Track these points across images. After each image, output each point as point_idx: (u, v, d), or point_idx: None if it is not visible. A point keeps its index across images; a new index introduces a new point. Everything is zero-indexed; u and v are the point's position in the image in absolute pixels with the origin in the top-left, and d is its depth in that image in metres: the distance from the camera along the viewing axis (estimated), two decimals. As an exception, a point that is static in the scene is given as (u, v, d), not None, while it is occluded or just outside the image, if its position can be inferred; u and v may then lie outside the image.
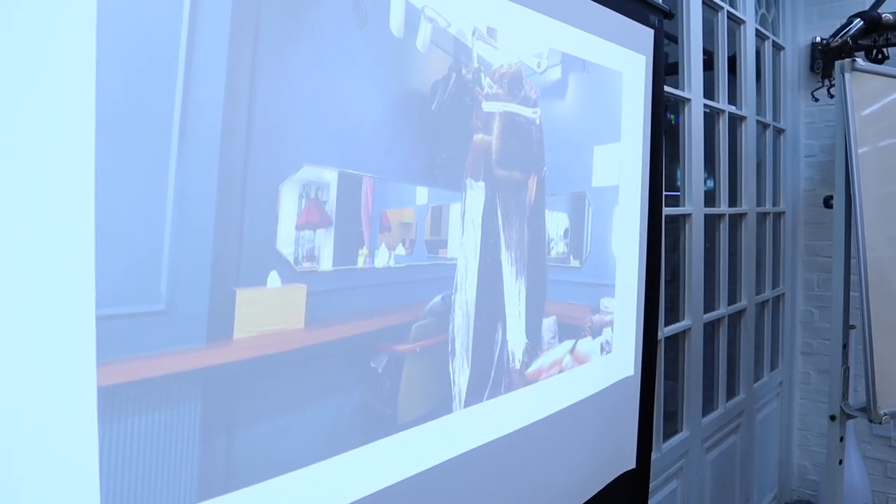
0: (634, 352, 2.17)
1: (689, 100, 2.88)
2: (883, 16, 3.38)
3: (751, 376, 3.56)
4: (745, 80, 3.44)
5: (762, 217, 3.77)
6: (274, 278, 1.07)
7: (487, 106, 1.50)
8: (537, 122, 1.66)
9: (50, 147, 0.79)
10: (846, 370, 2.53)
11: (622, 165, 2.04)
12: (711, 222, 3.22)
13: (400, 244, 1.31)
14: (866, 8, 3.51)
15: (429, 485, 1.40)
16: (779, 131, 3.93)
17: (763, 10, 3.70)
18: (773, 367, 3.94)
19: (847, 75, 2.39)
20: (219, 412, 1.01)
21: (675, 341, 2.95)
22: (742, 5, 3.40)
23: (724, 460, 3.31)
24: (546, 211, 1.71)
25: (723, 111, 3.22)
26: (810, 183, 4.02)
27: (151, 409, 0.92)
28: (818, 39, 3.85)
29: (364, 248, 1.23)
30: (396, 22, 1.27)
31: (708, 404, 3.21)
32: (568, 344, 1.82)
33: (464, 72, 1.44)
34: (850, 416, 2.53)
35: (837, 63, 2.44)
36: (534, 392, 1.70)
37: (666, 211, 2.69)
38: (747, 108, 3.44)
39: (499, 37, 1.53)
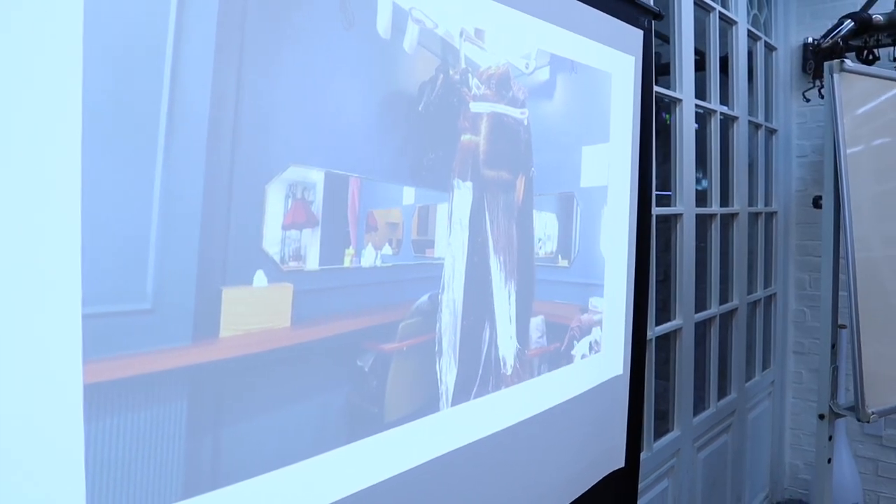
0: (623, 351, 2.18)
1: (680, 100, 2.89)
2: (873, 17, 3.39)
3: (742, 376, 3.57)
4: (737, 80, 3.45)
5: (754, 217, 3.79)
6: (260, 277, 1.08)
7: (475, 106, 1.51)
8: (525, 122, 1.67)
9: (36, 146, 0.80)
10: (835, 369, 2.55)
11: (611, 166, 2.05)
12: (703, 222, 3.24)
13: (387, 244, 1.32)
14: (858, 9, 3.52)
15: (415, 483, 1.41)
16: (771, 131, 3.94)
17: (755, 11, 3.72)
18: (765, 366, 3.96)
19: (836, 76, 2.41)
20: (205, 410, 1.01)
21: (666, 341, 2.96)
22: (734, 6, 3.42)
23: (715, 459, 3.32)
24: (534, 211, 1.73)
25: (715, 111, 3.23)
26: (802, 183, 4.04)
27: (137, 406, 0.93)
28: (810, 40, 3.86)
29: (351, 247, 1.24)
30: (383, 23, 1.28)
31: (699, 403, 3.23)
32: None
33: (451, 73, 1.45)
34: (838, 415, 2.55)
35: (827, 64, 2.45)
36: (522, 391, 1.71)
37: (657, 211, 2.70)
38: (739, 108, 3.45)
39: (486, 38, 1.54)
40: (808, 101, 3.91)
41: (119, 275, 0.90)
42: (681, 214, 2.95)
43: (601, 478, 2.10)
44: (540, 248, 1.76)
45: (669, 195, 3.01)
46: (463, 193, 1.50)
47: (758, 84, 3.75)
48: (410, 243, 1.38)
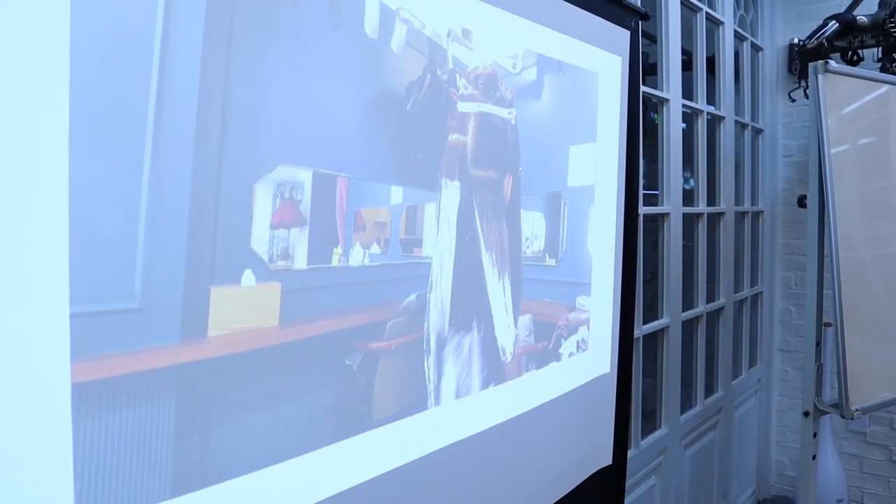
0: (611, 350, 2.20)
1: (667, 100, 2.91)
2: (858, 18, 3.42)
3: (729, 374, 3.60)
4: (724, 80, 3.47)
5: (740, 216, 3.82)
6: (248, 276, 1.08)
7: (462, 106, 1.52)
8: (513, 122, 1.68)
9: (24, 145, 0.80)
10: (820, 367, 2.57)
11: (598, 165, 2.06)
12: (690, 221, 3.26)
13: (375, 243, 1.32)
14: (843, 11, 3.56)
15: (404, 481, 1.42)
16: (757, 131, 3.97)
17: (741, 12, 3.74)
18: (752, 364, 3.99)
19: (820, 77, 2.43)
20: (193, 409, 1.02)
21: (653, 339, 2.98)
22: (721, 6, 3.44)
23: (702, 457, 3.35)
24: (521, 210, 1.74)
25: (701, 111, 3.25)
26: (788, 182, 4.07)
27: (126, 405, 0.93)
28: (795, 41, 3.89)
29: (339, 246, 1.25)
30: (371, 23, 1.28)
31: (686, 401, 3.25)
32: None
33: (439, 73, 1.46)
34: (823, 413, 2.57)
35: (811, 65, 2.47)
36: (509, 389, 1.72)
37: (644, 210, 2.72)
38: (726, 108, 3.48)
39: (474, 38, 1.55)
40: (793, 101, 3.95)
41: (107, 274, 0.90)
42: (668, 214, 2.97)
43: (589, 475, 2.11)
44: (527, 247, 1.77)
45: (656, 194, 3.03)
46: (451, 193, 1.50)
47: (744, 84, 3.78)
48: (398, 242, 1.38)
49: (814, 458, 2.59)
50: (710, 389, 3.48)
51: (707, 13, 3.26)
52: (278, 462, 1.15)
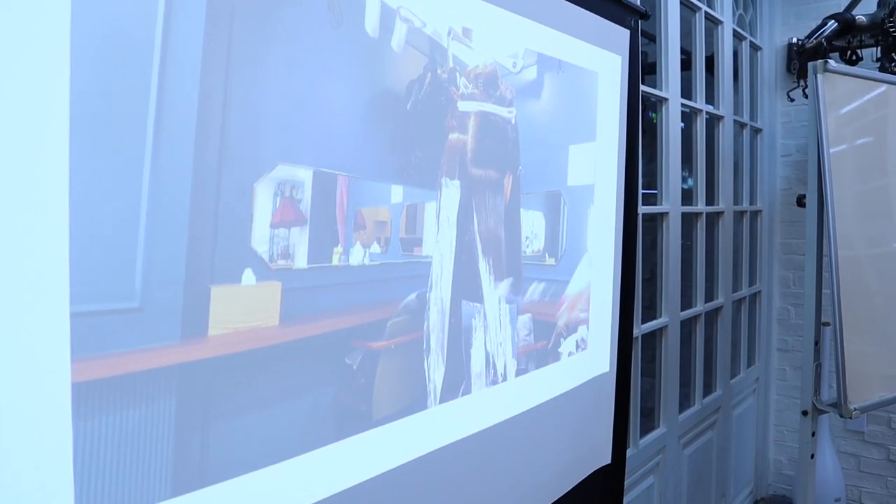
0: (610, 349, 2.20)
1: (666, 99, 2.91)
2: (856, 18, 3.43)
3: (727, 373, 3.60)
4: (723, 80, 3.47)
5: (739, 215, 3.82)
6: (249, 276, 1.08)
7: (463, 105, 1.52)
8: (513, 121, 1.68)
9: (24, 144, 0.80)
10: (818, 366, 2.58)
11: (597, 165, 2.06)
12: (689, 221, 3.26)
13: (375, 242, 1.32)
14: (842, 10, 3.56)
15: (403, 481, 1.42)
16: (756, 131, 3.97)
17: (740, 11, 3.74)
18: (750, 363, 3.99)
19: (819, 76, 2.43)
20: (193, 408, 1.01)
21: (652, 338, 2.98)
22: (720, 6, 3.44)
23: (700, 456, 3.35)
24: (521, 210, 1.74)
25: (700, 111, 3.25)
26: (786, 182, 4.07)
27: (126, 405, 0.93)
28: (794, 40, 3.89)
29: (339, 245, 1.25)
30: (371, 22, 1.28)
31: (685, 401, 3.25)
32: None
33: (439, 71, 1.46)
34: (821, 412, 2.58)
35: (810, 64, 2.47)
36: (509, 389, 1.72)
37: (643, 209, 2.72)
38: (724, 107, 3.48)
39: (474, 37, 1.55)
40: (792, 100, 3.95)
41: (107, 273, 0.90)
42: (667, 213, 2.97)
43: (588, 474, 2.12)
44: (527, 246, 1.77)
45: (655, 194, 3.03)
46: (451, 192, 1.50)
47: (743, 84, 3.78)
48: (398, 242, 1.38)
49: (812, 457, 2.60)
50: (708, 389, 3.48)
51: (706, 12, 3.26)
52: (278, 461, 1.14)
